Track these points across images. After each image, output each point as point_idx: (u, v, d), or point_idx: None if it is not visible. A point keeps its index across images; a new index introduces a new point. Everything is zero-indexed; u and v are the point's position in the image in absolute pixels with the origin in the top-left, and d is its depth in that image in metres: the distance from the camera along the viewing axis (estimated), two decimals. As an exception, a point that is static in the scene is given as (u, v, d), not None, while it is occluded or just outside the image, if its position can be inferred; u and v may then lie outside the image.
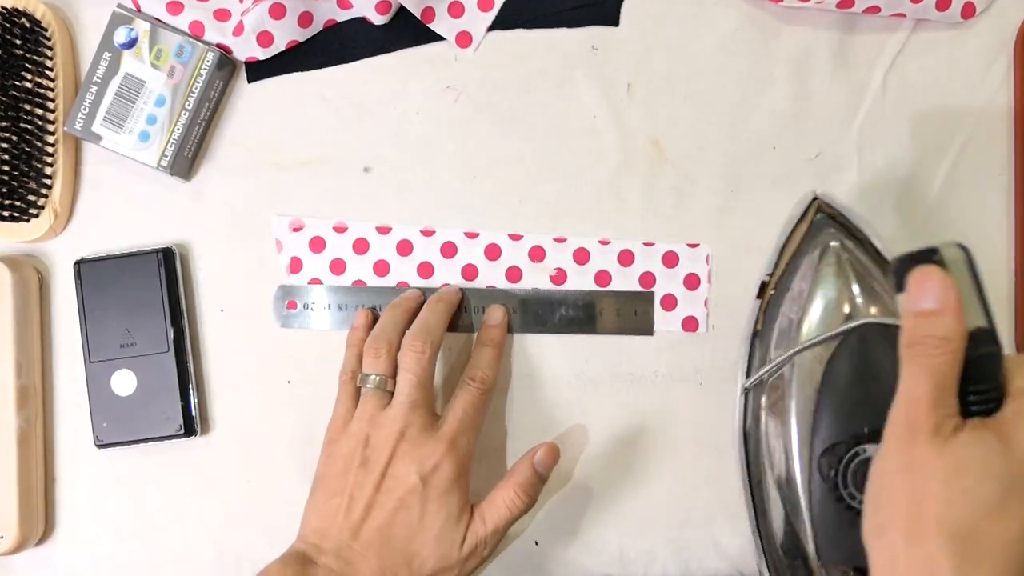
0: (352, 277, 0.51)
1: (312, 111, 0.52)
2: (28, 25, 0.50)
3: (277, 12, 0.49)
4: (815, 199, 0.48)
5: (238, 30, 0.49)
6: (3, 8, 0.49)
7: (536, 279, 0.51)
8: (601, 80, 0.51)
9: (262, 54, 0.50)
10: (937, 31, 0.50)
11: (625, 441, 0.51)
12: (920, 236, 0.50)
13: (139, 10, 0.50)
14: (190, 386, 0.51)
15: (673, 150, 0.51)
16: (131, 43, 0.49)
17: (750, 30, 0.50)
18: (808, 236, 0.48)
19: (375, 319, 0.50)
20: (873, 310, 0.44)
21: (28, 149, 0.50)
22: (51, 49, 0.50)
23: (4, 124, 0.49)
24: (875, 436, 0.42)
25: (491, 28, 0.51)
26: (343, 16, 0.51)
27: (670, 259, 0.51)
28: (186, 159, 0.51)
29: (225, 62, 0.50)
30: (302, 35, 0.51)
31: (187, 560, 0.52)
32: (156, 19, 0.50)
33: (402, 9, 0.50)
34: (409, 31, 0.51)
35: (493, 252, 0.51)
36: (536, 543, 0.51)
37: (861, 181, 0.50)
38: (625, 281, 0.51)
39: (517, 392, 0.51)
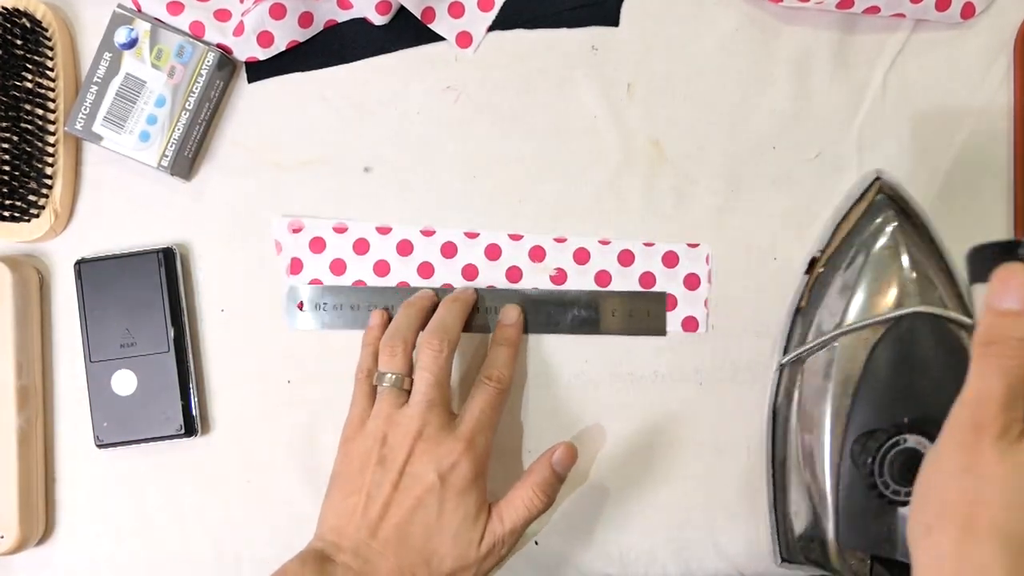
0: (352, 277, 0.52)
1: (312, 111, 0.52)
2: (28, 25, 0.50)
3: (277, 12, 0.49)
4: (877, 179, 0.47)
5: (238, 30, 0.49)
6: (3, 8, 0.49)
7: (536, 279, 0.51)
8: (601, 80, 0.51)
9: (262, 54, 0.50)
10: (937, 31, 0.50)
11: (625, 441, 0.51)
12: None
13: (139, 10, 0.50)
14: (190, 386, 0.51)
15: (673, 150, 0.51)
16: (131, 43, 0.49)
17: (750, 30, 0.50)
18: (866, 216, 0.46)
19: (390, 319, 0.50)
20: (926, 300, 0.43)
21: (28, 149, 0.50)
22: (51, 49, 0.50)
23: (4, 124, 0.49)
24: (916, 427, 0.41)
25: (491, 28, 0.51)
26: (343, 16, 0.51)
27: (670, 259, 0.51)
28: (186, 159, 0.51)
29: (225, 62, 0.50)
30: (302, 35, 0.51)
31: (187, 560, 0.52)
32: (156, 19, 0.50)
33: (402, 9, 0.50)
34: (409, 31, 0.51)
35: (493, 252, 0.51)
36: (536, 543, 0.51)
37: (861, 181, 0.50)
38: (625, 281, 0.51)
39: (521, 391, 0.51)
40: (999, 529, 0.31)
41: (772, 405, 0.48)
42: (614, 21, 0.51)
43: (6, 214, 0.50)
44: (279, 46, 0.50)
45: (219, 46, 0.50)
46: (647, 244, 0.51)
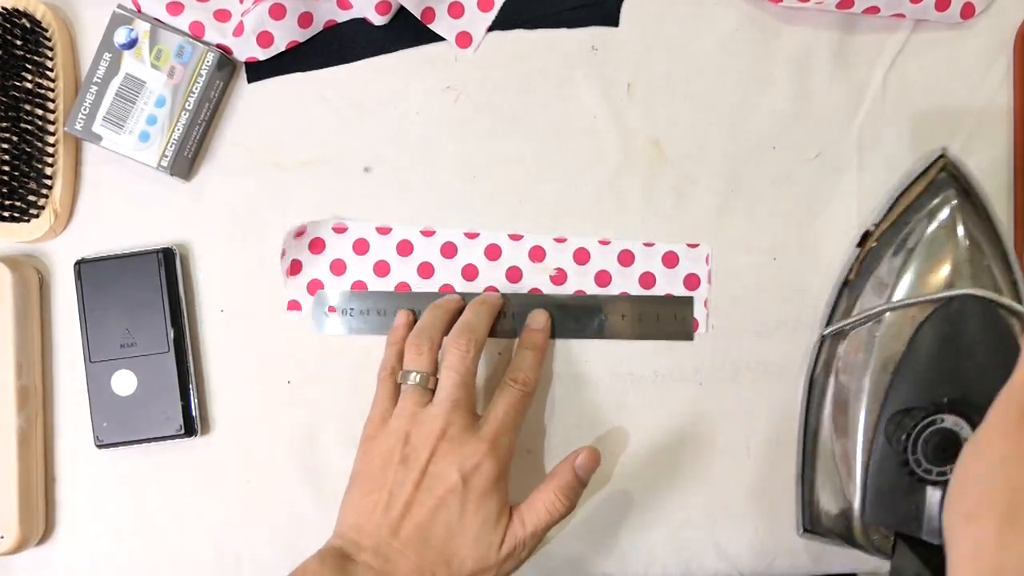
0: (352, 278, 0.51)
1: (312, 111, 0.52)
2: (28, 25, 0.50)
3: (277, 12, 0.49)
4: (941, 155, 0.46)
5: (238, 30, 0.49)
6: (3, 8, 0.49)
7: (536, 279, 0.51)
8: (601, 80, 0.51)
9: (262, 54, 0.50)
10: (937, 31, 0.50)
11: (625, 441, 0.51)
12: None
13: (139, 10, 0.50)
14: (190, 386, 0.51)
15: (673, 150, 0.51)
16: (131, 43, 0.49)
17: (750, 30, 0.50)
18: (926, 193, 0.45)
19: (415, 321, 0.49)
20: (979, 283, 0.43)
21: (28, 149, 0.50)
22: (51, 49, 0.50)
23: (4, 124, 0.49)
24: (955, 407, 0.41)
25: (491, 28, 0.51)
26: (343, 16, 0.51)
27: (670, 259, 0.51)
28: (186, 159, 0.51)
29: (225, 62, 0.50)
30: (302, 35, 0.51)
31: (187, 560, 0.52)
32: (156, 19, 0.50)
33: (402, 9, 0.50)
34: (409, 31, 0.51)
35: (493, 252, 0.51)
36: (536, 543, 0.51)
37: (861, 181, 0.50)
38: (625, 281, 0.51)
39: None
40: None
41: (809, 376, 0.48)
42: (614, 21, 0.51)
43: (6, 214, 0.50)
44: (279, 46, 0.50)
45: (219, 46, 0.50)
46: (647, 244, 0.51)
